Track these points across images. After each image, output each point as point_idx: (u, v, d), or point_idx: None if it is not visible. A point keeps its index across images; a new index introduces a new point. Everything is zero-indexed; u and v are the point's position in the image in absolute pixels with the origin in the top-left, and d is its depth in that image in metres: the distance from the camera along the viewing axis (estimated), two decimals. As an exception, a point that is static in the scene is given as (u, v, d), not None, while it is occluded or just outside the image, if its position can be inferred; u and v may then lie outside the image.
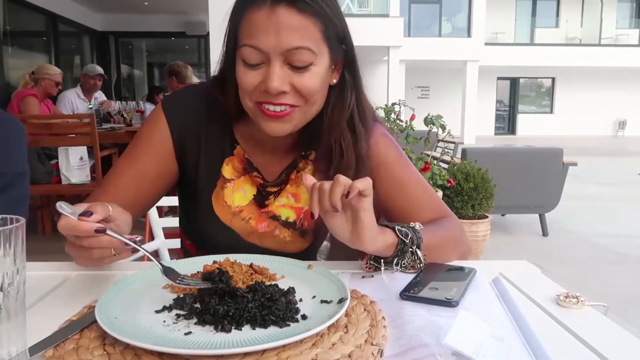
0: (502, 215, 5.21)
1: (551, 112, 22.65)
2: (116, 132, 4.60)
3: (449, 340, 0.53)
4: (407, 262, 0.84)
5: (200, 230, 1.02)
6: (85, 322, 0.61)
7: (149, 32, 11.00)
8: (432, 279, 0.77)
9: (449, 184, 3.49)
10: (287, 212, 1.00)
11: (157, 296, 0.69)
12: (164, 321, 0.62)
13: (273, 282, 0.73)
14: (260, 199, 1.00)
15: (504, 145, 6.12)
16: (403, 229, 0.83)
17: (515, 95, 22.76)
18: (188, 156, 0.98)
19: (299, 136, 0.97)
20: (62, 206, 0.67)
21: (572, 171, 4.64)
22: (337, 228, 0.78)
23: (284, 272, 0.79)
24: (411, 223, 0.86)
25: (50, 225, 4.05)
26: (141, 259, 1.71)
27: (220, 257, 0.81)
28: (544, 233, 4.66)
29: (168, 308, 0.65)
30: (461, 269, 0.83)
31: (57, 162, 3.57)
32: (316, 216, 0.74)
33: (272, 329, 0.59)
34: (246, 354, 0.53)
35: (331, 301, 0.66)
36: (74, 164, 3.55)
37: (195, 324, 0.61)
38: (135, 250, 0.70)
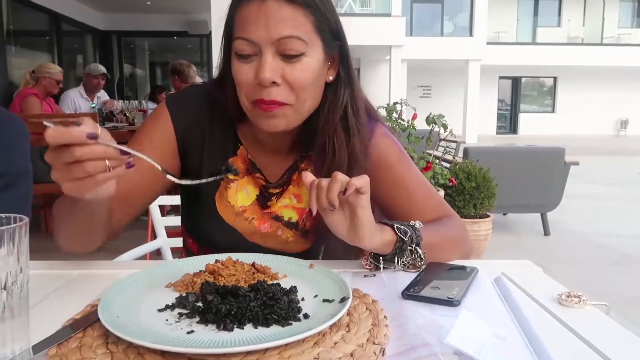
0: (504, 214, 5.20)
1: (553, 111, 22.60)
2: (119, 131, 4.61)
3: (450, 339, 0.53)
4: (406, 260, 0.84)
5: (203, 230, 1.02)
6: (89, 321, 0.62)
7: (151, 32, 11.01)
8: (434, 278, 0.77)
9: (451, 183, 3.49)
10: (289, 212, 1.01)
11: (159, 295, 0.70)
12: (167, 320, 0.62)
13: (275, 281, 0.73)
14: (263, 200, 1.00)
15: (506, 145, 6.12)
16: (402, 226, 0.83)
17: (517, 95, 22.72)
18: (191, 155, 0.99)
19: (299, 136, 0.98)
20: (48, 122, 0.62)
21: (574, 170, 4.63)
22: (336, 225, 0.78)
23: (286, 271, 0.79)
24: (411, 221, 0.86)
25: (53, 225, 4.05)
26: (144, 257, 1.72)
27: (222, 256, 0.81)
28: (546, 232, 4.66)
29: (170, 307, 0.65)
30: (463, 268, 0.83)
31: (60, 162, 3.58)
32: (314, 213, 0.75)
33: (274, 328, 0.59)
34: (248, 353, 0.54)
35: (333, 300, 0.66)
36: (77, 163, 3.55)
37: (198, 322, 0.61)
38: (130, 165, 0.65)
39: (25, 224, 0.54)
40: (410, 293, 0.72)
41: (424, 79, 20.82)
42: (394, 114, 3.59)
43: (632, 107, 21.78)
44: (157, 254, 1.76)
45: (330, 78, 0.92)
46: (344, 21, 0.92)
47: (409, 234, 0.83)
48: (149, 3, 9.64)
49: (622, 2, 21.40)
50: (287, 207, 1.01)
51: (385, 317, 0.63)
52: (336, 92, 0.93)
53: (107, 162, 0.62)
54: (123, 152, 0.63)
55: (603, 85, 21.55)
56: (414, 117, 3.53)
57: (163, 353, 0.54)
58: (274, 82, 0.83)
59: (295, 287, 0.69)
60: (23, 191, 1.15)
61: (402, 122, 3.57)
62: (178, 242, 1.65)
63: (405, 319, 0.64)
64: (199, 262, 0.81)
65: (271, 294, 0.65)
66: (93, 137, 0.60)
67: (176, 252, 1.70)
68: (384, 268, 0.85)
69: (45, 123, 0.61)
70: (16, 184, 1.14)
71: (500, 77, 21.95)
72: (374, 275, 0.83)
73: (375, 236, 0.79)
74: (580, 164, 4.68)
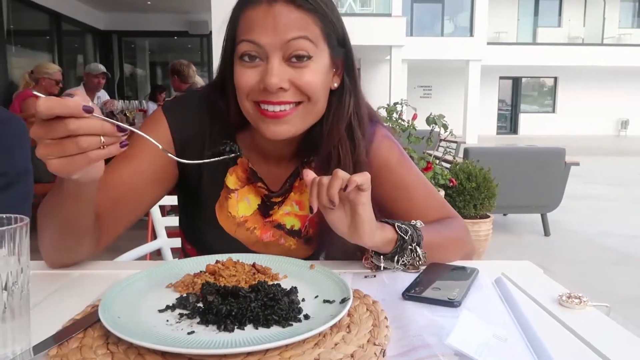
0: (504, 215, 5.20)
1: (553, 111, 22.61)
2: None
3: (451, 340, 0.53)
4: (406, 259, 0.84)
5: (203, 240, 1.01)
6: (89, 321, 0.61)
7: (151, 32, 11.01)
8: (434, 279, 0.77)
9: (451, 184, 3.49)
10: (291, 220, 0.99)
11: (160, 295, 0.70)
12: (167, 320, 0.62)
13: (276, 282, 0.73)
14: (265, 209, 0.99)
15: (506, 145, 6.12)
16: (403, 225, 0.83)
17: (518, 95, 22.72)
18: (190, 164, 0.96)
19: (300, 144, 0.96)
20: (39, 92, 0.59)
21: (574, 171, 4.63)
22: (336, 222, 0.78)
23: (287, 272, 0.79)
24: (412, 221, 0.86)
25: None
26: (144, 257, 1.72)
27: (223, 257, 0.81)
28: (546, 233, 4.66)
29: (171, 307, 0.65)
30: (463, 269, 0.83)
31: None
32: (314, 210, 0.74)
33: (275, 329, 0.59)
34: (249, 354, 0.54)
35: (334, 301, 0.66)
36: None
37: (198, 323, 0.61)
38: (124, 145, 0.61)
39: (26, 224, 0.54)
40: (411, 294, 0.72)
41: (425, 79, 20.82)
42: (394, 114, 3.59)
43: (632, 107, 21.78)
44: (157, 254, 1.76)
45: (335, 85, 0.90)
46: (345, 21, 0.91)
47: (409, 232, 0.83)
48: (149, 3, 9.64)
49: (623, 2, 21.40)
50: (289, 214, 0.99)
51: (385, 318, 0.63)
52: (341, 100, 0.91)
53: (102, 138, 0.58)
54: (119, 129, 0.60)
55: (604, 85, 21.54)
56: (414, 117, 3.53)
57: (163, 354, 0.54)
58: (281, 88, 0.81)
59: (295, 287, 0.69)
60: (24, 191, 1.15)
61: (402, 123, 3.57)
62: (178, 242, 1.64)
63: (406, 319, 0.64)
64: (200, 263, 0.81)
65: (272, 294, 0.65)
66: (89, 110, 0.56)
67: (176, 253, 1.70)
68: (384, 267, 0.84)
69: (35, 93, 0.58)
70: (17, 184, 1.14)
71: (501, 77, 21.95)
72: (375, 276, 0.83)
73: (376, 234, 0.79)
74: (580, 164, 4.68)
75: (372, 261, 0.85)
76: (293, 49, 0.80)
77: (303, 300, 0.67)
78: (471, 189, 3.49)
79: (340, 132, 0.91)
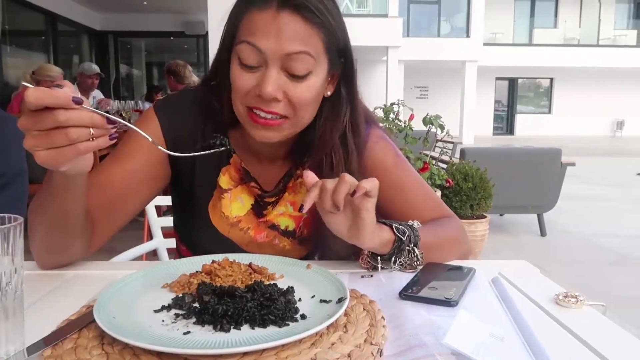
0: (501, 215, 5.22)
1: (549, 112, 22.69)
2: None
3: (448, 340, 0.53)
4: (404, 260, 0.83)
5: (197, 240, 1.01)
6: (84, 322, 0.61)
7: (147, 32, 11.00)
8: (431, 279, 0.77)
9: (448, 184, 3.49)
10: (286, 220, 0.99)
11: (156, 296, 0.69)
12: (163, 321, 0.61)
13: (272, 282, 0.73)
14: (258, 209, 0.98)
15: (503, 146, 6.13)
16: (400, 226, 0.83)
17: (514, 96, 22.80)
18: (183, 164, 0.95)
19: (294, 145, 0.96)
20: (27, 83, 0.59)
21: (570, 171, 4.65)
22: (336, 225, 0.77)
23: (283, 272, 0.79)
24: (410, 221, 0.86)
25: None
26: (140, 258, 1.71)
27: (219, 257, 0.81)
28: (542, 233, 4.67)
29: (167, 307, 0.65)
30: (460, 268, 0.83)
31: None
32: (305, 209, 0.72)
33: (271, 329, 0.59)
34: (245, 354, 0.53)
35: (330, 301, 0.66)
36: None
37: (194, 323, 0.60)
38: (113, 137, 0.60)
39: (20, 224, 0.54)
40: (408, 293, 0.71)
41: (421, 80, 20.86)
42: (391, 115, 3.59)
43: (628, 108, 21.89)
44: (153, 255, 1.75)
45: (329, 93, 0.89)
46: None
47: (407, 233, 0.82)
48: (145, 3, 9.63)
49: (618, 3, 21.51)
50: (283, 215, 0.99)
51: (382, 317, 0.63)
52: (334, 108, 0.90)
53: (91, 130, 0.58)
54: (109, 121, 0.59)
55: (599, 86, 21.64)
56: (411, 117, 3.53)
57: (159, 354, 0.53)
58: (275, 98, 0.80)
59: (292, 287, 0.69)
60: (18, 191, 1.15)
61: (399, 123, 3.57)
62: (174, 242, 1.64)
63: (403, 319, 0.64)
64: (196, 263, 0.81)
65: (268, 294, 0.64)
66: (78, 101, 0.56)
67: (172, 253, 1.69)
68: (381, 268, 0.84)
69: (24, 84, 0.57)
70: (12, 184, 1.13)
71: (497, 78, 22.02)
72: (372, 275, 0.83)
73: (375, 236, 0.79)
74: (576, 164, 4.70)
75: (368, 261, 0.85)
76: (292, 63, 0.79)
77: (300, 300, 0.67)
78: (468, 189, 3.50)
79: (333, 140, 0.90)
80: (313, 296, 0.69)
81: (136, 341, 0.53)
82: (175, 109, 0.95)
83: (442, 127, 3.45)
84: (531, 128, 21.84)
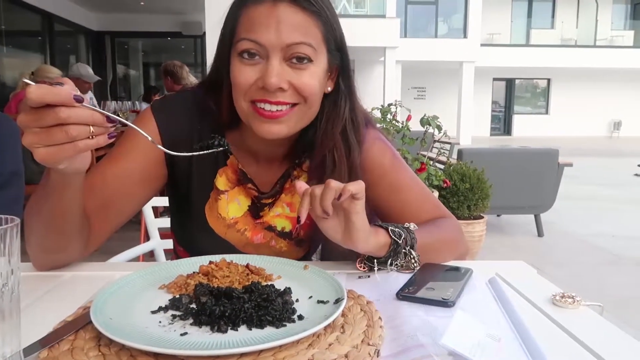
0: (498, 215, 5.22)
1: (546, 113, 22.74)
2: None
3: (445, 340, 0.53)
4: (400, 262, 0.84)
5: (193, 242, 1.01)
6: (81, 323, 0.61)
7: (145, 32, 10.99)
8: (428, 279, 0.77)
9: (445, 185, 3.50)
10: (282, 222, 0.99)
11: (152, 297, 0.69)
12: (160, 322, 0.61)
13: (269, 283, 0.73)
14: (255, 210, 0.98)
15: (500, 146, 6.15)
16: (397, 229, 0.83)
17: (511, 96, 22.84)
18: (179, 165, 0.95)
19: (292, 146, 0.96)
20: (29, 80, 0.59)
21: (567, 172, 4.66)
22: (329, 230, 0.77)
23: (280, 273, 0.79)
24: (406, 223, 0.86)
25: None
26: (137, 259, 1.71)
27: (216, 258, 0.81)
28: (540, 233, 4.68)
29: (164, 309, 0.65)
30: (457, 269, 0.83)
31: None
32: (302, 220, 0.73)
33: (269, 330, 0.59)
34: (242, 355, 0.53)
35: (328, 301, 0.66)
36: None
37: (191, 324, 0.60)
38: (112, 136, 0.61)
39: (17, 225, 0.54)
40: (405, 294, 0.71)
41: (419, 81, 20.88)
42: (389, 116, 3.60)
43: (625, 108, 21.96)
44: (150, 256, 1.75)
45: (329, 89, 0.90)
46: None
47: (403, 236, 0.82)
48: (142, 4, 9.62)
49: (615, 4, 21.58)
50: (280, 216, 0.99)
51: (380, 318, 0.63)
52: (335, 104, 0.91)
53: (91, 128, 0.58)
54: (109, 120, 0.60)
55: (596, 86, 21.71)
56: (409, 118, 3.54)
57: (156, 355, 0.53)
58: (280, 88, 0.80)
59: (289, 288, 0.69)
60: (14, 192, 1.14)
61: (396, 124, 3.57)
62: (171, 243, 1.64)
63: (400, 320, 0.64)
64: (193, 264, 0.81)
65: (265, 295, 0.64)
66: (79, 99, 0.57)
67: (169, 254, 1.69)
68: (378, 270, 0.84)
69: (25, 81, 0.58)
70: (8, 185, 1.13)
71: (494, 79, 22.06)
72: (369, 276, 0.83)
73: (370, 239, 0.79)
74: (573, 165, 4.72)
75: (365, 263, 0.85)
76: (293, 51, 0.80)
77: (297, 300, 0.67)
78: (465, 189, 3.50)
79: (335, 136, 0.91)
80: (310, 297, 0.69)
81: (133, 342, 0.53)
82: (172, 109, 0.95)
83: (439, 128, 3.45)
84: (528, 129, 21.88)
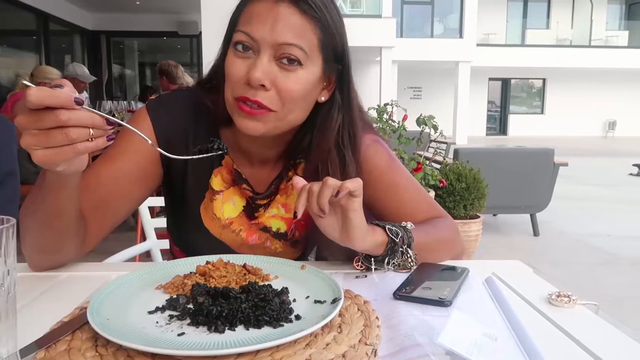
0: (494, 215, 5.24)
1: (542, 112, 22.83)
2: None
3: (442, 339, 0.53)
4: (397, 261, 0.84)
5: (189, 242, 1.00)
6: (77, 324, 0.61)
7: (140, 32, 10.95)
8: (425, 279, 0.78)
9: (441, 184, 3.50)
10: (277, 223, 0.99)
11: (149, 297, 0.69)
12: (157, 322, 0.61)
13: (266, 283, 0.73)
14: (250, 211, 0.98)
15: (496, 146, 6.17)
16: (394, 228, 0.83)
17: (507, 96, 22.92)
18: (175, 165, 0.94)
19: (286, 147, 0.95)
20: (27, 82, 0.59)
21: (562, 171, 4.68)
22: (327, 228, 0.77)
23: (278, 273, 0.79)
24: (403, 222, 0.86)
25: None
26: (133, 259, 1.70)
27: (213, 258, 0.81)
28: (535, 233, 4.70)
29: (161, 309, 0.65)
30: (454, 268, 0.83)
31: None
32: (299, 216, 0.73)
33: (266, 330, 0.59)
34: (240, 355, 0.53)
35: (325, 301, 0.66)
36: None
37: (189, 324, 0.60)
38: (111, 138, 0.61)
39: (13, 225, 0.53)
40: (402, 294, 0.72)
41: (415, 80, 20.92)
42: (385, 115, 3.60)
43: (620, 108, 22.07)
44: (146, 256, 1.75)
45: (323, 99, 0.88)
46: None
47: (400, 235, 0.82)
48: (138, 3, 9.59)
49: (610, 4, 21.68)
50: (275, 217, 0.99)
51: (377, 317, 0.63)
52: (329, 115, 0.89)
53: (90, 131, 0.58)
54: (108, 122, 0.60)
55: (591, 86, 21.81)
56: (405, 118, 3.54)
57: (153, 355, 0.53)
58: (262, 85, 0.79)
59: (286, 288, 0.69)
60: (10, 192, 1.14)
61: (392, 123, 3.58)
62: (167, 243, 1.63)
63: (397, 319, 0.64)
64: (190, 264, 0.81)
65: (262, 295, 0.64)
66: (79, 102, 0.57)
67: (166, 254, 1.69)
68: (375, 269, 0.85)
69: (24, 82, 0.58)
70: (3, 185, 1.12)
71: (490, 79, 22.13)
72: (366, 276, 0.83)
73: (367, 238, 0.79)
74: (569, 165, 4.73)
75: (362, 262, 0.85)
76: (283, 51, 0.79)
77: (294, 300, 0.67)
78: (461, 189, 3.51)
79: (328, 147, 0.89)
80: (307, 297, 0.69)
81: (130, 343, 0.52)
82: (168, 108, 0.94)
83: (435, 128, 3.46)
84: (524, 128, 21.96)
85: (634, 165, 9.42)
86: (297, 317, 0.62)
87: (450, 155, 4.85)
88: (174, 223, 1.05)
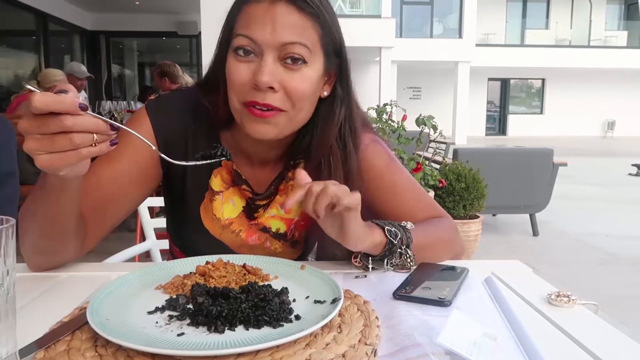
0: (493, 215, 5.24)
1: (541, 112, 22.84)
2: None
3: (442, 339, 0.53)
4: (396, 261, 0.84)
5: (189, 242, 1.00)
6: (77, 324, 0.61)
7: (140, 32, 10.94)
8: (425, 279, 0.78)
9: (441, 184, 3.51)
10: (277, 223, 0.99)
11: (149, 297, 0.69)
12: (157, 322, 0.61)
13: (266, 283, 0.73)
14: (250, 211, 0.98)
15: (495, 146, 6.17)
16: (393, 228, 0.83)
17: (506, 96, 22.93)
18: (174, 165, 0.92)
19: (287, 148, 0.95)
20: (32, 86, 0.60)
21: (562, 171, 4.68)
22: (325, 224, 0.77)
23: (277, 273, 0.79)
24: (402, 222, 0.86)
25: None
26: (133, 259, 1.70)
27: (213, 258, 0.81)
28: (535, 233, 4.70)
29: (160, 309, 0.65)
30: (453, 268, 0.83)
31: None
32: (287, 207, 0.71)
33: (266, 330, 0.59)
34: (239, 355, 0.53)
35: (324, 301, 0.66)
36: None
37: (188, 325, 0.60)
38: (114, 143, 0.62)
39: (12, 225, 0.53)
40: (402, 294, 0.72)
41: (414, 81, 20.93)
42: (384, 115, 3.60)
43: (618, 108, 22.09)
44: (146, 256, 1.74)
45: (325, 94, 0.89)
46: None
47: (399, 236, 0.82)
48: (137, 3, 9.58)
49: (609, 4, 21.70)
50: (274, 217, 0.98)
51: (376, 317, 0.63)
52: (331, 110, 0.90)
53: (94, 136, 0.59)
54: (112, 127, 0.60)
55: (590, 86, 21.83)
56: (404, 118, 3.54)
57: (153, 356, 0.53)
58: (271, 88, 0.79)
59: (286, 288, 0.69)
60: (9, 192, 1.14)
61: (392, 123, 3.58)
62: (167, 244, 1.63)
63: (397, 319, 0.64)
64: (190, 264, 0.81)
65: (262, 295, 0.64)
66: (84, 108, 0.57)
67: (165, 254, 1.69)
68: (373, 268, 0.85)
69: (29, 87, 0.58)
70: (3, 185, 1.12)
71: (489, 79, 22.14)
72: (365, 276, 0.83)
73: (365, 240, 0.79)
74: (568, 165, 4.74)
75: (361, 260, 0.86)
76: (288, 51, 0.79)
77: (294, 300, 0.67)
78: (460, 189, 3.51)
79: (330, 142, 0.90)
80: (307, 297, 0.69)
81: (130, 343, 0.52)
82: (167, 108, 0.94)
83: (435, 128, 3.46)
84: (523, 128, 21.97)
85: (633, 165, 9.43)
86: (297, 317, 0.62)
87: (450, 155, 4.85)
88: (174, 223, 1.05)
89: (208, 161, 0.74)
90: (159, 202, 1.59)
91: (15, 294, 0.55)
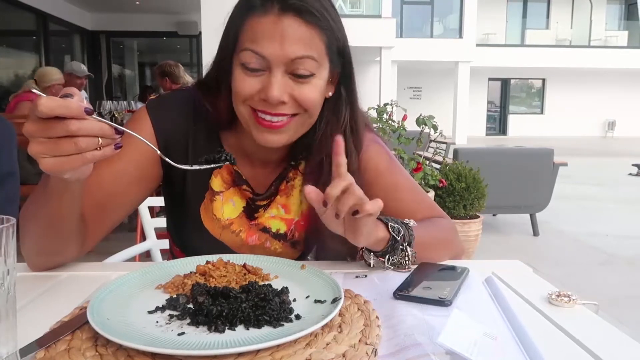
0: (494, 215, 5.24)
1: (541, 112, 22.83)
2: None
3: (442, 339, 0.53)
4: (396, 258, 0.84)
5: (189, 242, 1.00)
6: (77, 323, 0.61)
7: (140, 32, 10.94)
8: (425, 279, 0.78)
9: (441, 184, 3.51)
10: (277, 223, 0.99)
11: (149, 297, 0.69)
12: (157, 322, 0.61)
13: (266, 282, 0.73)
14: (250, 212, 0.98)
15: (495, 146, 6.17)
16: (396, 225, 0.83)
17: (506, 96, 22.92)
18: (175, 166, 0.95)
19: (289, 150, 0.95)
20: (37, 90, 0.60)
21: (562, 171, 4.68)
22: (332, 223, 0.76)
23: (278, 272, 0.79)
24: (405, 219, 0.86)
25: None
26: (133, 259, 1.70)
27: (213, 257, 0.81)
28: (535, 233, 4.70)
29: (161, 309, 0.65)
30: (454, 268, 0.83)
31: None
32: (307, 192, 0.68)
33: (266, 329, 0.59)
34: (240, 355, 0.53)
35: (325, 301, 0.66)
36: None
37: (189, 324, 0.60)
38: (118, 146, 0.62)
39: (13, 225, 0.53)
40: (402, 293, 0.72)
41: (414, 80, 20.92)
42: (385, 115, 3.60)
43: (619, 108, 22.08)
44: (146, 256, 1.74)
45: (330, 94, 0.90)
46: None
47: (402, 233, 0.82)
48: (137, 3, 9.58)
49: (609, 4, 21.69)
50: (274, 218, 0.99)
51: (377, 317, 0.63)
52: (336, 109, 0.90)
53: (99, 140, 0.59)
54: (116, 131, 0.61)
55: (591, 86, 21.82)
56: (404, 118, 3.54)
57: (153, 355, 0.53)
58: (282, 102, 0.80)
59: (286, 288, 0.69)
60: (10, 192, 1.14)
61: (392, 123, 3.58)
62: (167, 243, 1.63)
63: (397, 319, 0.64)
64: (190, 264, 0.81)
65: (262, 295, 0.64)
66: (90, 112, 0.57)
67: (166, 254, 1.69)
68: (373, 265, 0.85)
69: (34, 91, 0.58)
70: (3, 185, 1.12)
71: (490, 79, 22.13)
72: (366, 276, 0.83)
73: (371, 235, 0.79)
74: (568, 165, 4.74)
75: (362, 255, 0.86)
76: (297, 66, 0.80)
77: (294, 300, 0.67)
78: (461, 189, 3.51)
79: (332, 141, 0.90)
80: (308, 296, 0.69)
81: (130, 342, 0.52)
82: (167, 108, 0.94)
83: (435, 128, 3.46)
84: (523, 128, 21.97)
85: (633, 165, 9.43)
86: (297, 317, 0.62)
87: (450, 155, 4.85)
88: (174, 223, 1.05)
89: (212, 166, 0.74)
90: (159, 202, 1.59)
91: (15, 294, 0.55)
